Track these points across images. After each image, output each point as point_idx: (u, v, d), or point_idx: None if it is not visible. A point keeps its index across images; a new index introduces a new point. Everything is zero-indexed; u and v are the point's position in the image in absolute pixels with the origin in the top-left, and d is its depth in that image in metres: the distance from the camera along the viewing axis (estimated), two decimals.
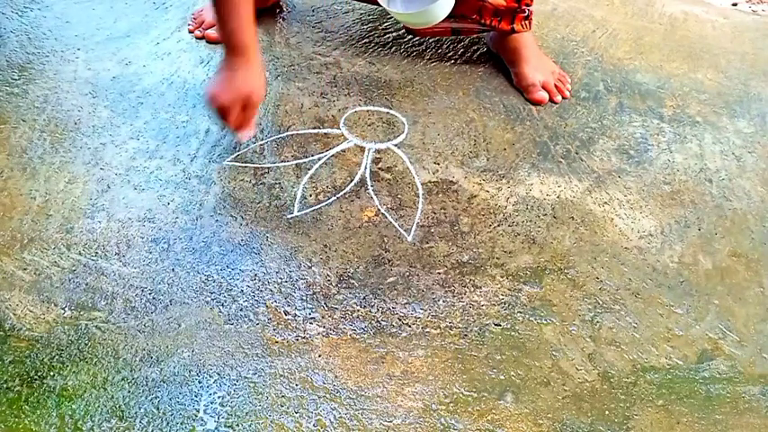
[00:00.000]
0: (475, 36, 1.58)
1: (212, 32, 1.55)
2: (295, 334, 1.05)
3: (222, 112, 1.23)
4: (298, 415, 0.95)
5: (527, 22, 1.43)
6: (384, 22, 1.67)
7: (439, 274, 1.14)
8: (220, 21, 1.22)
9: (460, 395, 0.99)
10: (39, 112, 1.37)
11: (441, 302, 1.10)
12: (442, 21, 1.38)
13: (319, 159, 1.32)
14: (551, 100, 1.46)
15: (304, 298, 1.09)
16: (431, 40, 1.58)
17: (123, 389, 0.97)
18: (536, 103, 1.45)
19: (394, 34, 1.63)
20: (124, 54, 1.52)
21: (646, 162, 1.35)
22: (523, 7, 1.40)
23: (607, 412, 0.98)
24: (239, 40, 1.21)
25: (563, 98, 1.47)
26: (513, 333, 1.07)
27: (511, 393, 0.99)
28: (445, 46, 1.59)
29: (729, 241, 1.22)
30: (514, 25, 1.42)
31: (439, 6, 1.34)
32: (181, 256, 1.14)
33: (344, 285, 1.12)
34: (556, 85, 1.47)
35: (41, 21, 1.59)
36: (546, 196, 1.27)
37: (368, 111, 1.43)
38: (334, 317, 1.07)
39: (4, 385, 0.96)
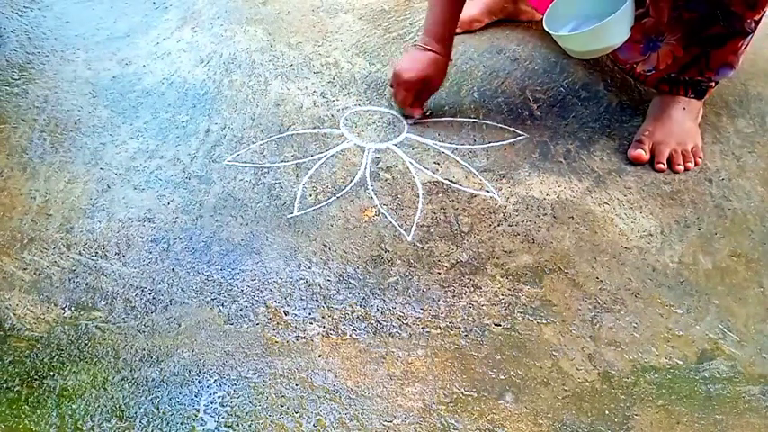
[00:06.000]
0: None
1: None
2: (295, 334, 1.05)
3: (401, 88, 1.37)
4: (298, 415, 0.95)
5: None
6: (384, 22, 1.67)
7: (439, 273, 1.14)
8: (431, 8, 1.36)
9: (460, 395, 0.99)
10: (39, 112, 1.37)
11: (441, 302, 1.10)
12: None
13: (319, 159, 1.32)
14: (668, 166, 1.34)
15: (304, 298, 1.09)
16: None
17: (123, 389, 0.97)
18: (632, 159, 1.35)
19: (394, 34, 1.63)
20: (124, 54, 1.52)
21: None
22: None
23: (607, 412, 0.98)
24: (440, 31, 1.35)
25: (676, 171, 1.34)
26: (513, 333, 1.07)
27: (511, 393, 0.99)
28: None
29: (729, 241, 1.22)
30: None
31: (613, 24, 1.07)
32: (181, 256, 1.14)
33: (344, 285, 1.12)
34: (673, 156, 1.34)
35: (41, 21, 1.59)
36: (546, 196, 1.27)
37: (368, 111, 1.43)
38: (334, 317, 1.07)
39: (4, 385, 0.96)
